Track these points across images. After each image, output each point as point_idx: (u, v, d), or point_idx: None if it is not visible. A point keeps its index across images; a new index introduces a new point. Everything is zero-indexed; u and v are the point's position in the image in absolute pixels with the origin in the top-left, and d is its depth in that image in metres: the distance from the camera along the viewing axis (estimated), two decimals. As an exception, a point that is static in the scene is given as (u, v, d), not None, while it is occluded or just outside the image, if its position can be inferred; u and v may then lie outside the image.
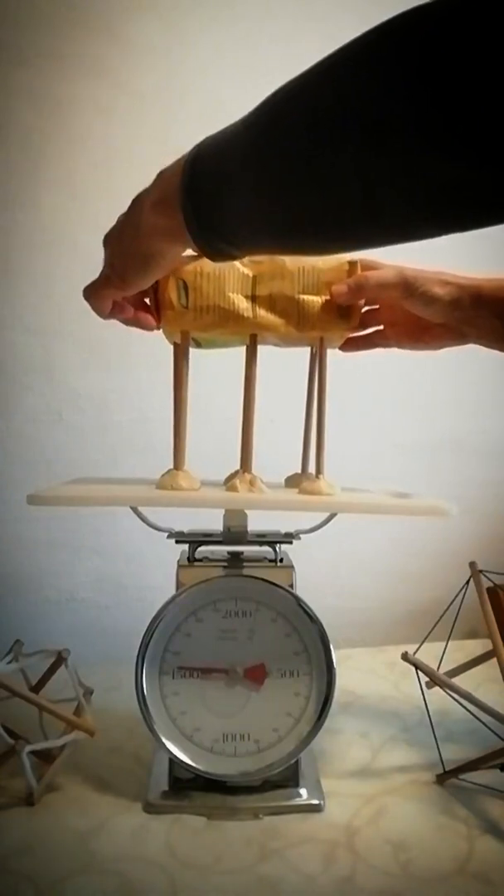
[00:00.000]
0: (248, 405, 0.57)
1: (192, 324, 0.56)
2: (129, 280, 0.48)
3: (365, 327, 0.60)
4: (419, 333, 0.58)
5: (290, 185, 0.36)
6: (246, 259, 0.55)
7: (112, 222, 0.48)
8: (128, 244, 0.47)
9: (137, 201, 0.46)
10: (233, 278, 0.55)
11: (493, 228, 0.32)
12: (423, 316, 0.54)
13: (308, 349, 0.64)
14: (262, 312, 0.55)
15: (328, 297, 0.55)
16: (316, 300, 0.55)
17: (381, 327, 0.60)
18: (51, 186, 0.86)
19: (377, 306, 0.59)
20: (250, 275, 0.55)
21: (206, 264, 0.54)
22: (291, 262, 0.55)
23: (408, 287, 0.52)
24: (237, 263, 0.55)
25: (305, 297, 0.55)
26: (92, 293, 0.50)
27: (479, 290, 0.52)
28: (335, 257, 0.55)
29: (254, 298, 0.55)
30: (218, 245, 0.42)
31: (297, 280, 0.55)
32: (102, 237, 0.49)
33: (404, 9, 0.30)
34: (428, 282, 0.52)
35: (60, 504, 0.56)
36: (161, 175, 0.44)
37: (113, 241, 0.48)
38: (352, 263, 0.55)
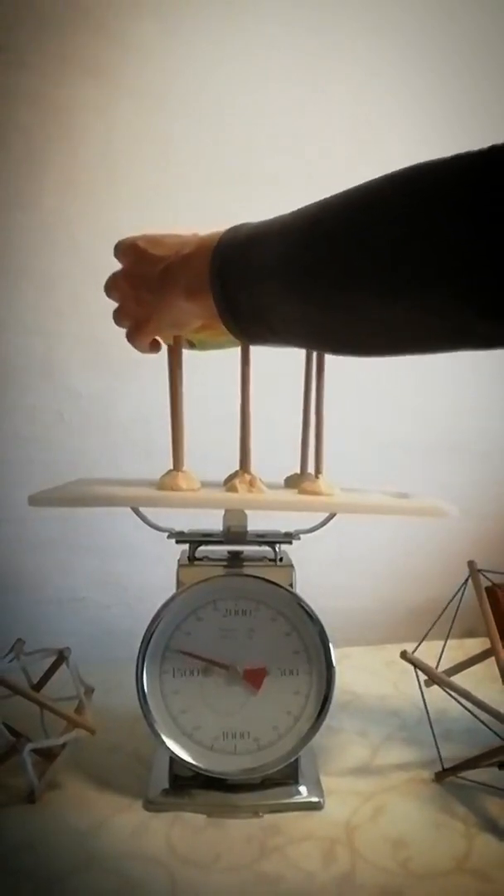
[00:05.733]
0: (244, 406, 0.57)
1: None
2: (163, 331, 0.52)
3: None
4: None
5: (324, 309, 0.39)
6: None
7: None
8: (163, 313, 0.49)
9: (169, 280, 0.47)
10: None
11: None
12: None
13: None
14: None
15: None
16: None
17: None
18: (51, 187, 0.86)
19: None
20: None
21: None
22: None
23: None
24: None
25: None
26: (136, 340, 0.52)
27: None
28: None
29: None
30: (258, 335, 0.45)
31: None
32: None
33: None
34: None
35: (61, 505, 0.56)
36: (188, 262, 0.46)
37: (149, 291, 0.49)
38: None
